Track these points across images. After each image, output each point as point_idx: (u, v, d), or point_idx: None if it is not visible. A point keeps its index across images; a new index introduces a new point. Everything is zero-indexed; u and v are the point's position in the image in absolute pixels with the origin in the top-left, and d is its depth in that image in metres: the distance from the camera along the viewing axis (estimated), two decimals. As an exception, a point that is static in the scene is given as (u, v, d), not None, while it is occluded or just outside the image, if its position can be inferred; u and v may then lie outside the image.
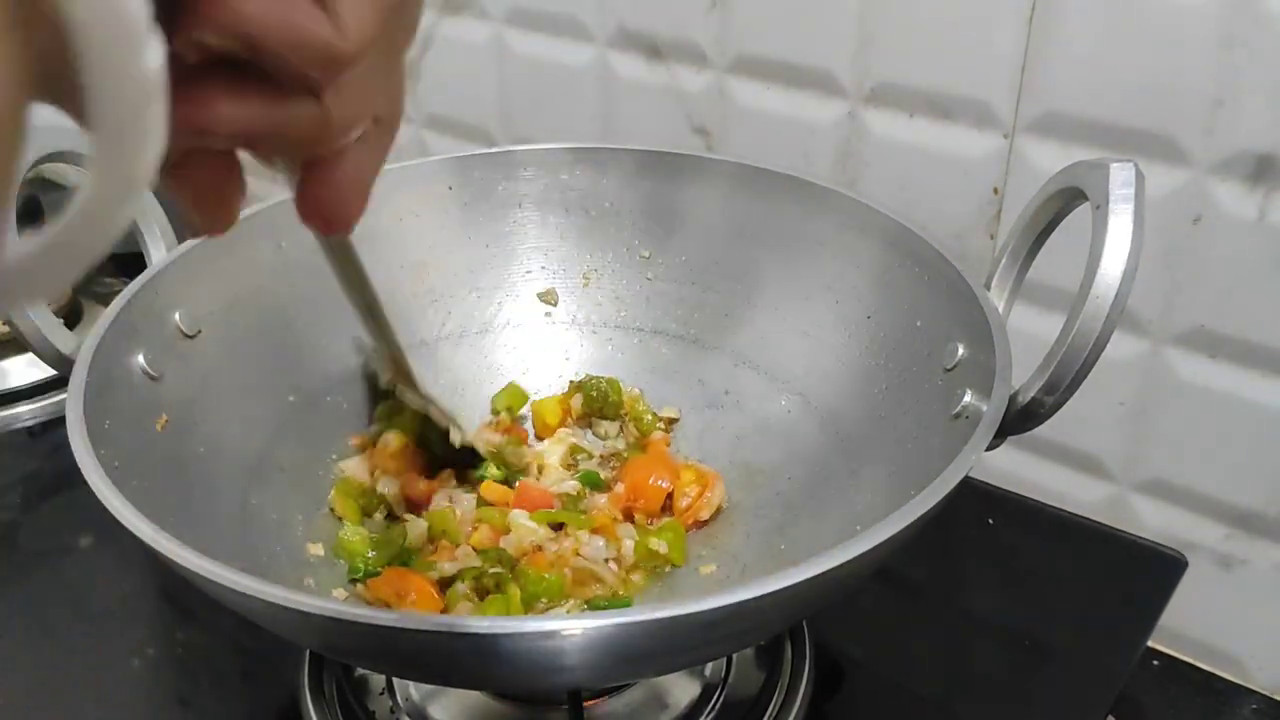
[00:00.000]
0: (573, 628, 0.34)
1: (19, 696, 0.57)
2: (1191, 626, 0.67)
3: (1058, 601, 0.62)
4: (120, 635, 0.61)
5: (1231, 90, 0.56)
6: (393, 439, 0.58)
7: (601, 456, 0.62)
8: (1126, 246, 0.41)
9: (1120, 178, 0.42)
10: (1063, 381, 0.43)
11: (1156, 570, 0.62)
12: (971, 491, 0.70)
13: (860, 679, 0.58)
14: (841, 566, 0.36)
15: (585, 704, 0.52)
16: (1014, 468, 0.71)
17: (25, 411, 0.79)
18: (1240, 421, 0.62)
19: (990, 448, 0.44)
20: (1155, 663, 0.66)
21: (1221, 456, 0.63)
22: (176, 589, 0.63)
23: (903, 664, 0.59)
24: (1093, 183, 0.43)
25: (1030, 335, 0.58)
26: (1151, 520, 0.67)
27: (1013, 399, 0.44)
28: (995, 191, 0.66)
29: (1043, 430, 0.65)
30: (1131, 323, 0.63)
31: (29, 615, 0.63)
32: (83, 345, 0.48)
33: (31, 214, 1.00)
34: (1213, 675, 0.66)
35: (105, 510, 0.39)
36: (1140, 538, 0.65)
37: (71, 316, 0.83)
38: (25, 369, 0.80)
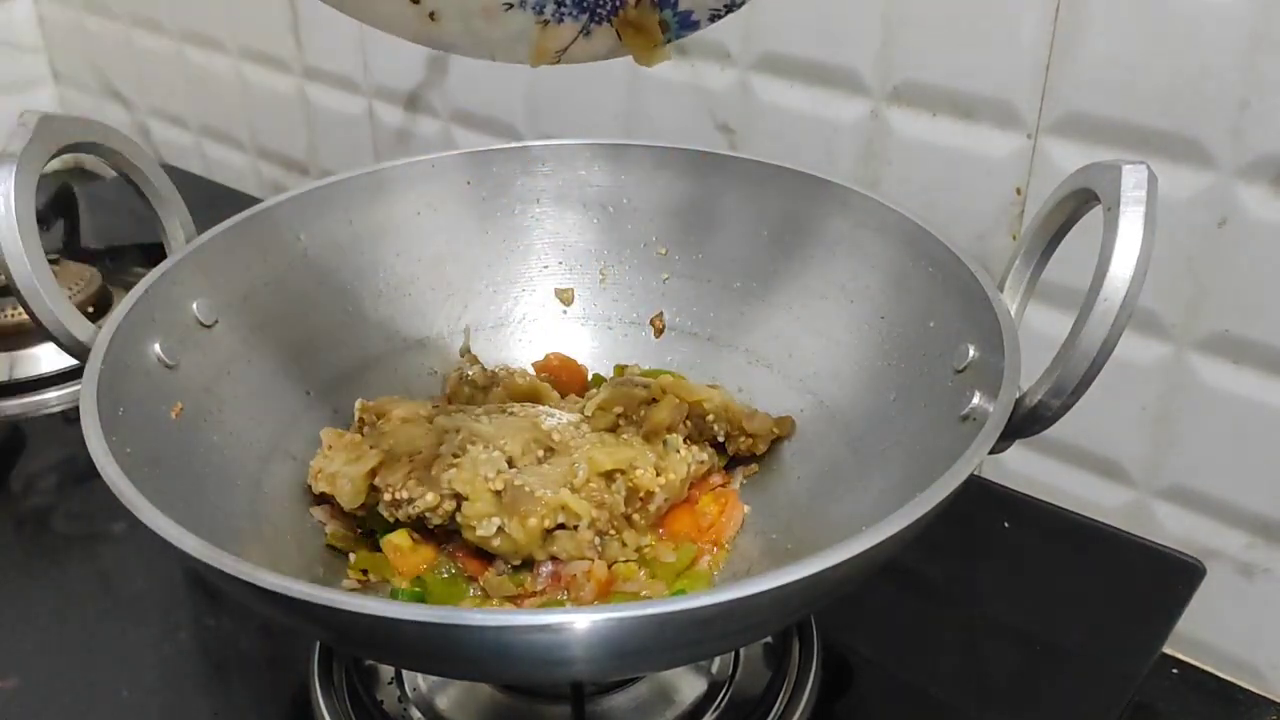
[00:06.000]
0: (570, 621, 0.34)
1: (52, 680, 0.58)
2: (1211, 635, 0.66)
3: (1072, 606, 0.62)
4: (152, 621, 0.62)
5: (1259, 92, 0.55)
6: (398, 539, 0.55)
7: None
8: (1136, 249, 0.41)
9: (1132, 179, 0.41)
10: (1069, 384, 0.42)
11: (1173, 577, 0.62)
12: (988, 494, 0.69)
13: (869, 678, 0.58)
14: (838, 566, 0.36)
15: (591, 699, 0.52)
16: (1033, 471, 0.71)
17: (55, 398, 0.81)
18: (1264, 428, 0.61)
19: (997, 450, 0.44)
20: (1174, 671, 0.65)
21: (1244, 463, 0.62)
22: (208, 576, 0.64)
23: (913, 664, 0.59)
24: (1104, 184, 0.42)
25: (1052, 338, 0.58)
26: (1173, 527, 0.66)
27: (1020, 402, 0.44)
28: (1018, 192, 0.66)
29: (1063, 434, 0.65)
30: (1154, 327, 0.62)
31: (62, 600, 0.64)
32: (99, 333, 0.48)
33: (65, 202, 1.02)
34: (1232, 684, 0.65)
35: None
36: (1157, 544, 0.64)
37: (100, 305, 0.85)
38: (55, 355, 0.81)
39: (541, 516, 0.51)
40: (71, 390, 0.80)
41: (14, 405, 0.79)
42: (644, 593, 0.52)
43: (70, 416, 0.80)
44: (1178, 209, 0.59)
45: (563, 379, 0.65)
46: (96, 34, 1.28)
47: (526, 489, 0.52)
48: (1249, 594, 0.65)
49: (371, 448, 0.55)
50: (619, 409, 0.58)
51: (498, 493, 0.52)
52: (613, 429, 0.58)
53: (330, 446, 0.57)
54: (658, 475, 0.55)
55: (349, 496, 0.54)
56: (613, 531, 0.54)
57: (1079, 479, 0.69)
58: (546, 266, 0.66)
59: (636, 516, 0.55)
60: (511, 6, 0.48)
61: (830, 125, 0.72)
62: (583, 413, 0.59)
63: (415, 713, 0.53)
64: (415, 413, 0.58)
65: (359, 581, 0.54)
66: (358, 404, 0.59)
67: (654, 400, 0.58)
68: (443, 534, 0.54)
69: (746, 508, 0.58)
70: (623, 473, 0.55)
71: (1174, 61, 0.57)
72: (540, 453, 0.55)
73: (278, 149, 1.15)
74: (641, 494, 0.55)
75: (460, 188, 0.65)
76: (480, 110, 0.92)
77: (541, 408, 0.60)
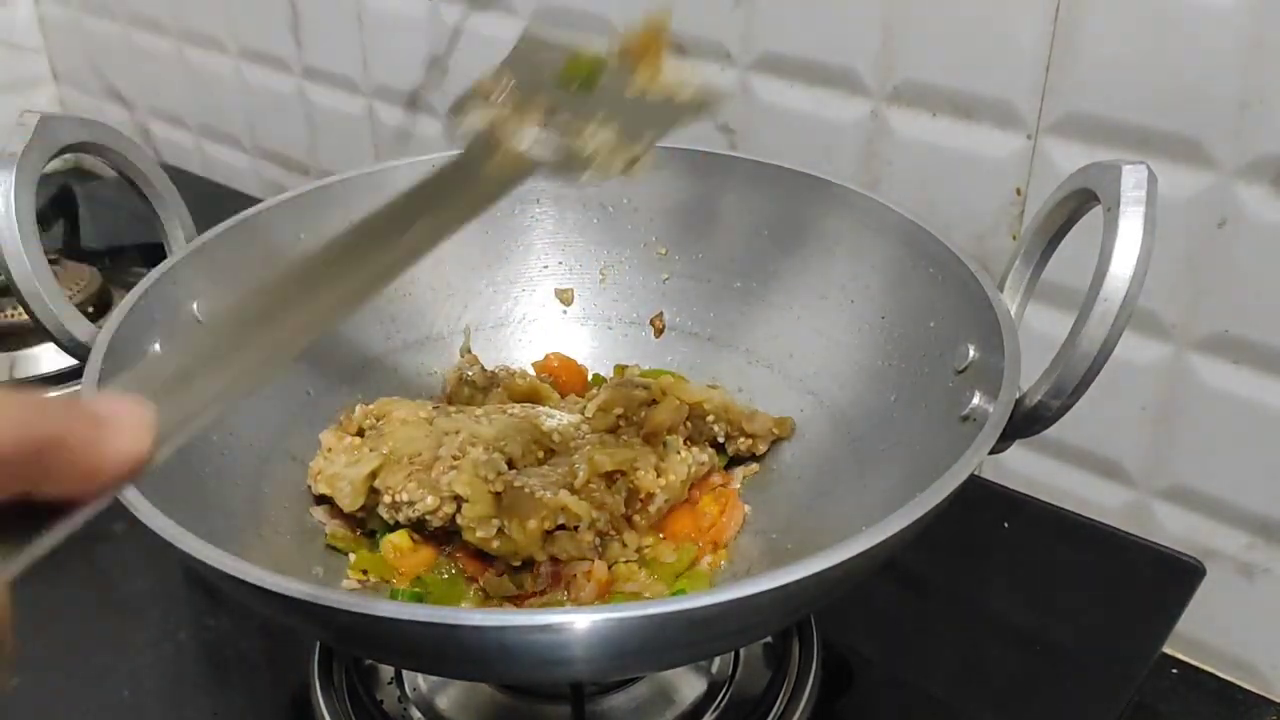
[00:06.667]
0: (570, 621, 0.34)
1: (53, 680, 0.58)
2: (1211, 635, 0.66)
3: (1072, 606, 0.62)
4: (152, 621, 0.62)
5: (1258, 93, 0.55)
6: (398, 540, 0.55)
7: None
8: (1136, 249, 0.41)
9: (1132, 179, 0.42)
10: (1069, 385, 0.42)
11: (1173, 577, 0.62)
12: (989, 494, 0.69)
13: (869, 678, 0.58)
14: (838, 566, 0.36)
15: (591, 699, 0.52)
16: (1034, 471, 0.71)
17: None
18: (1264, 428, 0.61)
19: (996, 450, 0.44)
20: (1174, 671, 0.65)
21: (1244, 463, 0.62)
22: (207, 576, 0.64)
23: (913, 664, 0.59)
24: (1105, 184, 0.43)
25: (1052, 338, 0.58)
26: (1173, 527, 0.66)
27: (1020, 402, 0.44)
28: (1018, 192, 0.66)
29: (1063, 434, 0.65)
30: (1154, 327, 0.62)
31: (62, 600, 0.64)
32: (99, 333, 0.48)
33: (65, 202, 1.02)
34: (1232, 684, 0.65)
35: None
36: (1157, 544, 0.64)
37: (100, 305, 0.85)
38: (55, 355, 0.81)
39: (541, 518, 0.51)
40: (73, 390, 0.80)
41: (14, 405, 0.79)
42: (644, 593, 0.52)
43: (70, 417, 0.80)
44: (1177, 209, 0.59)
45: (563, 379, 0.65)
46: (96, 34, 1.28)
47: (526, 491, 0.52)
48: (1249, 594, 0.65)
49: (371, 450, 0.55)
50: (619, 410, 0.58)
51: (497, 495, 0.52)
52: (613, 430, 0.58)
53: (330, 449, 0.57)
54: (658, 476, 0.55)
55: (348, 499, 0.54)
56: (613, 532, 0.54)
57: (1079, 479, 0.69)
58: (546, 266, 0.67)
59: (637, 517, 0.55)
60: None
61: (830, 125, 0.71)
62: (583, 414, 0.59)
63: (415, 713, 0.53)
64: (415, 414, 0.58)
65: (359, 581, 0.54)
66: (356, 410, 0.59)
67: (654, 401, 0.58)
68: (443, 535, 0.54)
69: (747, 508, 0.58)
70: (623, 474, 0.54)
71: (1174, 62, 0.57)
72: (540, 454, 0.55)
73: (278, 149, 1.15)
74: (642, 495, 0.55)
75: (460, 188, 0.65)
76: (480, 110, 0.92)
77: (541, 408, 0.60)
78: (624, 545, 0.54)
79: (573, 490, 0.53)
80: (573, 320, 0.67)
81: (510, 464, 0.54)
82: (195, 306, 0.54)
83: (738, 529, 0.57)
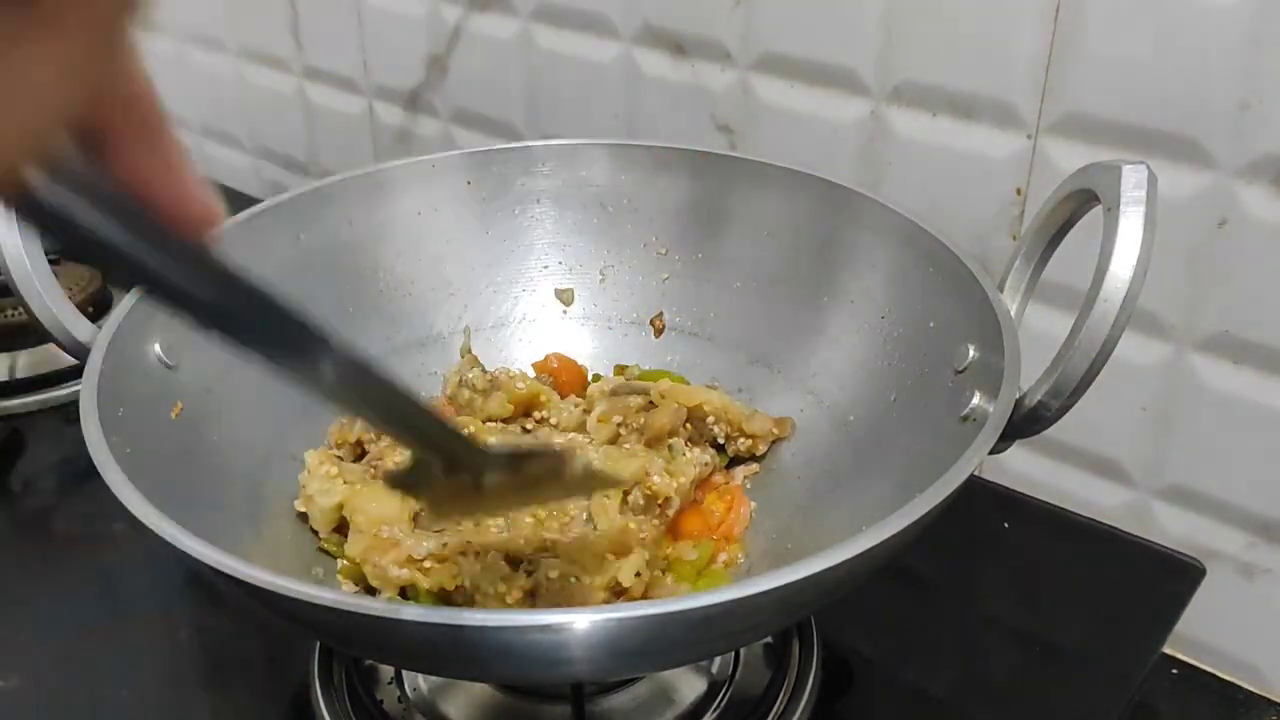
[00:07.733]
0: (570, 621, 0.34)
1: (52, 680, 0.58)
2: (1212, 635, 0.66)
3: (1072, 606, 0.62)
4: (152, 621, 0.62)
5: (1259, 93, 0.55)
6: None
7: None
8: (1136, 249, 0.41)
9: (1132, 179, 0.42)
10: (1069, 385, 0.42)
11: (1173, 577, 0.62)
12: (989, 494, 0.69)
13: (869, 678, 0.58)
14: (838, 566, 0.36)
15: (591, 699, 0.52)
16: (1033, 471, 0.71)
17: (55, 398, 0.80)
18: (1264, 429, 0.61)
19: (997, 450, 0.44)
20: (1174, 671, 0.65)
21: (1244, 464, 0.62)
22: (206, 576, 0.64)
23: (913, 665, 0.59)
24: (1105, 184, 0.43)
25: (1052, 338, 0.58)
26: (1173, 527, 0.66)
27: (1019, 402, 0.44)
28: (1018, 192, 0.66)
29: (1063, 434, 0.65)
30: (1154, 327, 0.62)
31: (62, 600, 0.64)
32: (99, 333, 0.48)
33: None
34: (1232, 684, 0.65)
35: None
36: (1157, 544, 0.64)
37: (100, 305, 0.85)
38: (56, 355, 0.80)
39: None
40: (71, 390, 0.80)
41: (14, 405, 0.79)
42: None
43: (70, 416, 0.80)
44: (1177, 209, 0.59)
45: (563, 379, 0.65)
46: (96, 34, 1.28)
47: (571, 582, 0.50)
48: (1249, 594, 0.65)
49: (345, 483, 0.55)
50: (618, 419, 0.58)
51: (529, 593, 0.50)
52: (613, 439, 0.58)
53: (310, 471, 0.56)
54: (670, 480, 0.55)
55: (320, 525, 0.54)
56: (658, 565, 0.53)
57: (1079, 479, 0.69)
58: (546, 266, 0.67)
59: (656, 522, 0.55)
60: None
61: (830, 126, 0.72)
62: (584, 430, 0.59)
63: (415, 713, 0.53)
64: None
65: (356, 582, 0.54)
66: (357, 425, 0.58)
67: (652, 405, 0.58)
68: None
69: (753, 504, 0.58)
70: (639, 483, 0.54)
71: (1174, 61, 0.57)
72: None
73: (278, 149, 1.15)
74: (660, 500, 0.55)
75: (460, 188, 0.65)
76: (480, 110, 0.92)
77: (545, 428, 0.60)
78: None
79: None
80: (573, 320, 0.67)
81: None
82: (195, 306, 0.54)
83: (747, 523, 0.57)
